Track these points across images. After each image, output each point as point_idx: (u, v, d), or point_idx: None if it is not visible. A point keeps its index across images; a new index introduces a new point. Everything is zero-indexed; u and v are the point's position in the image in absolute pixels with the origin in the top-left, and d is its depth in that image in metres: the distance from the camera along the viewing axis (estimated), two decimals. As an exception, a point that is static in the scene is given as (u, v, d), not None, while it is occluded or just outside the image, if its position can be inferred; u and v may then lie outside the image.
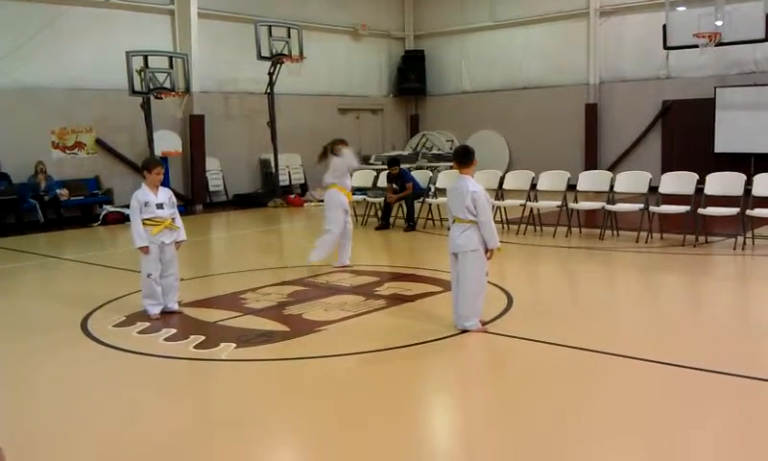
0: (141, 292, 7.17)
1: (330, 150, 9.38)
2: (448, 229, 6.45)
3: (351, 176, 10.36)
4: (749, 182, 10.29)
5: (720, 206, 10.26)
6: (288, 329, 6.57)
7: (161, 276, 7.07)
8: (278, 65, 17.15)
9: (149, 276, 7.00)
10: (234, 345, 6.09)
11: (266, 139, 17.69)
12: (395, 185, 13.02)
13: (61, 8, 15.24)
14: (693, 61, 17.03)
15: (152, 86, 15.19)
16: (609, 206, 11.17)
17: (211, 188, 17.91)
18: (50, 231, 13.73)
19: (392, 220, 13.19)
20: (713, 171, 10.76)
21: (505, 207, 12.24)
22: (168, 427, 4.63)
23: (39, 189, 14.30)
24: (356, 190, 12.89)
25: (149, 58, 15.22)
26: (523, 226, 11.84)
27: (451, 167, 12.57)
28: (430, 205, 13.08)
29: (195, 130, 17.20)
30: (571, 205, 11.51)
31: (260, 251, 12.08)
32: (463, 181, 6.21)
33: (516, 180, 12.62)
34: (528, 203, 11.92)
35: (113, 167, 16.16)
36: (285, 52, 17.04)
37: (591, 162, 18.89)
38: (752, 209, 9.96)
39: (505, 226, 12.10)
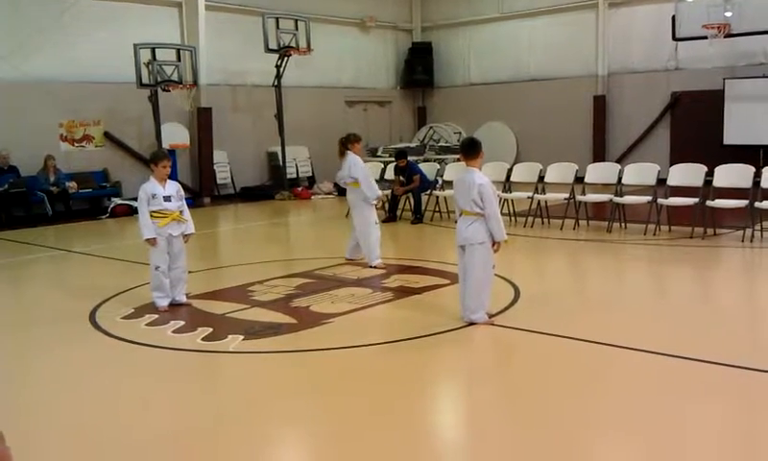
0: (149, 284, 7.21)
1: (346, 146, 8.97)
2: (456, 221, 6.45)
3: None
4: (758, 174, 10.24)
5: (729, 198, 10.21)
6: (295, 322, 6.59)
7: (169, 268, 7.10)
8: (286, 58, 17.14)
9: (157, 268, 7.03)
10: (242, 337, 6.12)
11: (273, 132, 17.69)
12: (402, 178, 13.02)
13: (69, 1, 15.26)
14: (702, 53, 16.91)
15: (159, 79, 15.22)
16: (617, 199, 11.13)
17: (219, 181, 17.92)
18: (58, 224, 13.78)
19: (399, 212, 13.19)
20: (722, 163, 10.72)
21: (513, 200, 12.22)
22: (176, 419, 4.65)
23: (49, 182, 14.35)
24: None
25: (157, 50, 15.24)
26: (531, 218, 11.82)
27: (458, 159, 12.55)
28: (437, 197, 13.06)
29: (203, 122, 17.22)
30: (579, 197, 11.48)
31: (268, 243, 12.10)
32: (469, 174, 6.21)
33: (524, 172, 12.59)
34: (536, 195, 11.89)
35: (121, 160, 16.20)
36: (293, 44, 17.01)
37: (599, 154, 18.81)
38: (760, 201, 9.93)
39: (512, 218, 12.08)
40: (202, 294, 7.66)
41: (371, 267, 8.72)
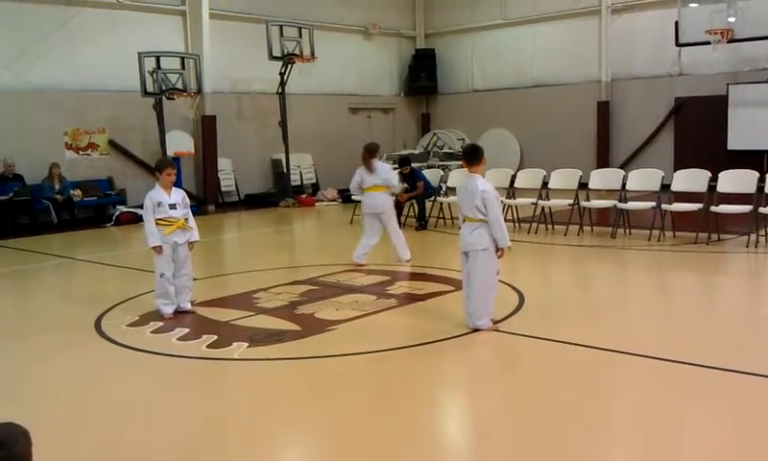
0: (154, 292, 7.22)
1: (374, 155, 9.60)
2: (459, 227, 6.45)
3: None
4: (762, 180, 10.23)
5: (733, 203, 10.20)
6: (300, 329, 6.59)
7: (174, 275, 7.11)
8: (290, 65, 17.17)
9: (162, 275, 7.05)
10: (246, 344, 6.13)
11: (277, 139, 17.72)
12: (406, 184, 13.03)
13: (74, 9, 15.33)
14: (705, 58, 16.93)
15: (164, 87, 15.26)
16: (621, 205, 11.13)
17: (223, 188, 17.96)
18: (63, 232, 13.81)
19: (403, 219, 13.18)
20: (726, 168, 10.72)
21: (516, 206, 12.23)
22: (180, 426, 4.66)
23: (54, 190, 14.40)
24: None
25: (161, 59, 15.29)
26: (535, 224, 11.82)
27: (462, 166, 12.55)
28: (441, 203, 13.07)
29: (207, 130, 17.25)
30: (583, 203, 11.48)
31: (272, 250, 12.11)
32: (472, 180, 6.22)
33: (528, 178, 12.60)
34: (539, 201, 11.89)
35: (126, 168, 16.25)
36: (296, 52, 17.06)
37: (603, 160, 18.81)
38: (765, 207, 9.91)
39: (516, 224, 12.09)
40: (206, 301, 7.67)
41: (407, 261, 9.50)
